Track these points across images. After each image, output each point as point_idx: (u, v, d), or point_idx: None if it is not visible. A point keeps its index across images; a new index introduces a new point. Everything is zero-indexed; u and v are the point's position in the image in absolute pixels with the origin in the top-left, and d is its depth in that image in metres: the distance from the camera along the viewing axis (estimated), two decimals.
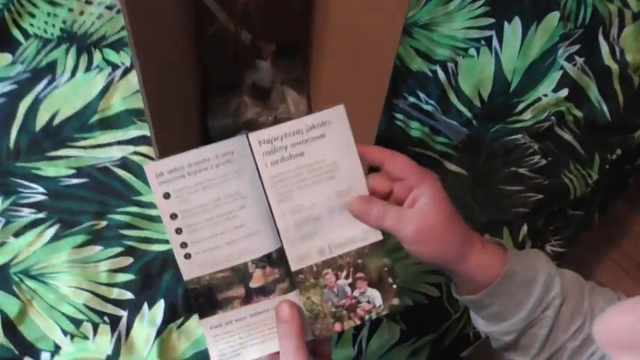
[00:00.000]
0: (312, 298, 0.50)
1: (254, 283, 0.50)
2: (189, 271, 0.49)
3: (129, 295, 0.70)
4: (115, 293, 0.70)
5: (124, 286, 0.71)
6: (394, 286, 0.51)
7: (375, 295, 0.51)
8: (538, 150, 0.96)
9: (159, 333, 0.68)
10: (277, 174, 0.49)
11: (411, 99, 1.02)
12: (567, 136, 1.00)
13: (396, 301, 0.52)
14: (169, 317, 0.69)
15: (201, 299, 0.49)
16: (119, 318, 0.69)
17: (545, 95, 1.02)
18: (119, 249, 0.74)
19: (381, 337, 0.73)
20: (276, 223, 0.50)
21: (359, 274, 0.51)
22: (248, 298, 0.50)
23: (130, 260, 0.73)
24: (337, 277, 0.51)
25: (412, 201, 0.49)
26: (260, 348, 0.50)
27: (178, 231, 0.48)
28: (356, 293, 0.51)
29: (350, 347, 0.71)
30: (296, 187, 0.50)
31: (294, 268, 0.50)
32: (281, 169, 0.49)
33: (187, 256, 0.49)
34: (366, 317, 0.51)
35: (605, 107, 1.02)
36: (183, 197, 0.48)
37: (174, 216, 0.48)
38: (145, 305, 0.70)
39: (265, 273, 0.50)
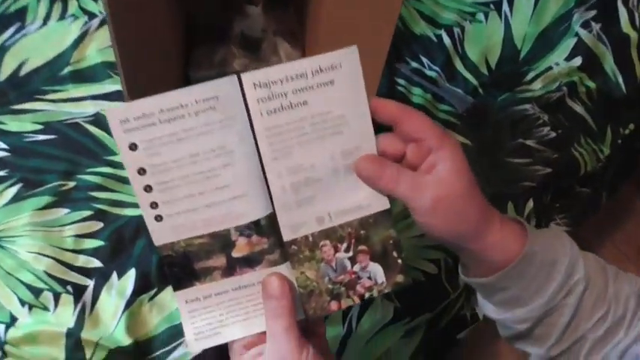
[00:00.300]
0: (307, 273, 0.44)
1: (237, 253, 0.43)
2: (161, 235, 0.42)
3: (96, 263, 0.63)
4: (81, 260, 0.63)
5: (92, 253, 0.64)
6: (399, 261, 0.45)
7: (377, 270, 0.45)
8: (548, 121, 0.90)
9: (128, 305, 0.61)
10: (274, 126, 0.42)
11: (414, 64, 0.95)
12: (579, 108, 0.94)
13: (400, 278, 0.46)
14: (141, 288, 0.63)
15: (176, 268, 0.43)
16: (84, 288, 0.62)
17: (557, 64, 0.95)
18: (88, 212, 0.67)
19: (373, 315, 0.67)
20: (269, 184, 0.43)
21: (361, 247, 0.45)
22: (230, 269, 0.43)
23: (99, 225, 0.66)
24: (336, 250, 0.44)
25: (430, 166, 0.42)
26: (243, 327, 0.44)
27: (147, 189, 0.41)
28: (356, 268, 0.45)
29: (339, 326, 0.65)
30: (295, 143, 0.42)
31: (286, 237, 0.43)
32: (279, 120, 0.42)
33: (158, 218, 0.42)
34: (367, 295, 0.45)
35: (620, 79, 0.95)
36: (154, 149, 0.40)
37: (142, 171, 0.41)
38: (114, 274, 0.63)
39: (251, 242, 0.43)
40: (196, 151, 0.41)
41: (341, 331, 0.65)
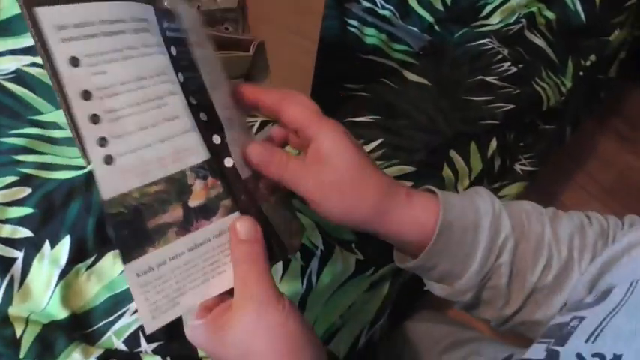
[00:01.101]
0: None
1: (194, 201, 0.37)
2: (112, 184, 0.34)
3: (26, 233, 0.57)
4: (8, 231, 0.57)
5: (19, 221, 0.57)
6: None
7: None
8: (507, 56, 0.86)
9: (63, 275, 0.55)
10: (201, 57, 0.39)
11: (366, 3, 0.90)
12: (539, 41, 0.90)
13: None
14: (77, 256, 0.57)
15: (126, 231, 0.34)
16: (12, 260, 0.56)
17: None
18: (13, 178, 0.60)
19: (333, 269, 0.63)
20: (219, 115, 0.39)
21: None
22: (186, 223, 0.37)
23: (27, 191, 0.59)
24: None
25: (314, 153, 0.40)
26: (201, 291, 0.38)
27: (94, 119, 0.33)
28: None
29: (297, 282, 0.60)
30: (215, 79, 0.40)
31: (243, 175, 0.40)
32: (200, 54, 0.39)
33: (109, 160, 0.33)
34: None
35: (579, 7, 0.92)
36: (99, 67, 0.33)
37: (86, 95, 0.33)
38: (47, 243, 0.57)
39: (207, 185, 0.37)
40: (142, 74, 0.35)
41: (300, 288, 0.61)
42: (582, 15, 0.91)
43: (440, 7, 0.90)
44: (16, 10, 0.71)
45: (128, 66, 0.34)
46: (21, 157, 0.62)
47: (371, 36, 0.86)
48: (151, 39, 0.35)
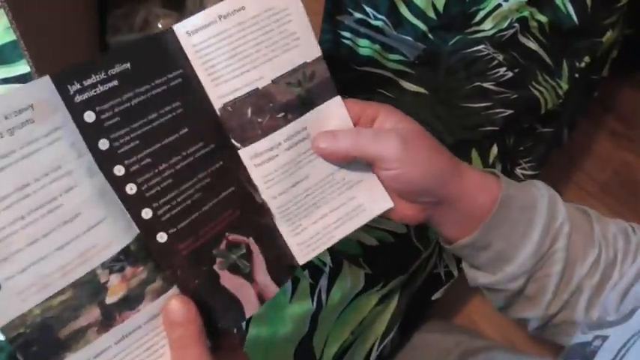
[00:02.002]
0: None
1: (112, 297, 0.34)
2: (4, 310, 0.32)
3: None
4: None
5: None
6: None
7: None
8: (503, 61, 0.86)
9: None
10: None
11: (358, 15, 0.89)
12: (533, 45, 0.90)
13: None
14: None
15: (34, 348, 0.32)
16: None
17: (506, 0, 0.90)
18: None
19: (343, 285, 0.62)
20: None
21: None
22: (108, 320, 0.34)
23: None
24: None
25: (380, 125, 0.42)
26: None
27: None
28: None
29: (307, 301, 0.60)
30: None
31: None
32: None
33: None
34: None
35: (570, 9, 0.91)
36: None
37: None
38: None
39: (125, 277, 0.35)
40: (25, 181, 0.32)
41: (311, 307, 0.60)
42: (575, 17, 0.91)
43: (432, 15, 0.90)
44: (9, 37, 0.70)
45: (2, 179, 0.31)
46: None
47: (365, 47, 0.85)
48: (36, 131, 0.32)
